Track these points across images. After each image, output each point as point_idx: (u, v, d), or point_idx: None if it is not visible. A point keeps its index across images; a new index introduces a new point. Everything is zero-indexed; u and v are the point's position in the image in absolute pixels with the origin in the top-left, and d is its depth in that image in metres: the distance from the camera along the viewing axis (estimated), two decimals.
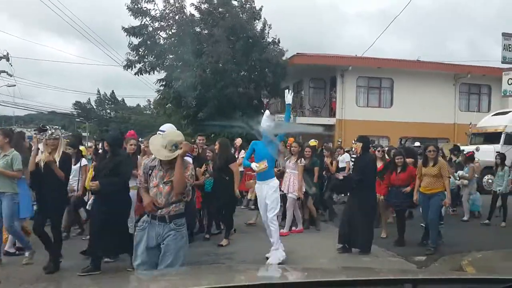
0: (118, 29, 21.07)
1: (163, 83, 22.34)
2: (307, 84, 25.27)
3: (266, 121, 6.55)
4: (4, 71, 26.68)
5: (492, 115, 19.43)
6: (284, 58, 22.07)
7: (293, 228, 8.83)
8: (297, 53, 22.99)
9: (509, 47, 7.07)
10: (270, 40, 21.84)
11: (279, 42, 21.78)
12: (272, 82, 21.77)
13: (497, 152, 10.96)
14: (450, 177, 8.01)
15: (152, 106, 43.65)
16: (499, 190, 10.06)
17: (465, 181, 10.88)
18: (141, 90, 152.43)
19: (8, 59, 27.83)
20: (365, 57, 22.66)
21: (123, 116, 56.58)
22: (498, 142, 17.24)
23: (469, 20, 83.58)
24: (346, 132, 21.10)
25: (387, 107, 23.87)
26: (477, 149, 16.56)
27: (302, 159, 8.69)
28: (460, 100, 24.89)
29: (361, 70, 23.22)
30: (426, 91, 22.97)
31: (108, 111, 64.89)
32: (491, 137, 17.69)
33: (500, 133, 17.44)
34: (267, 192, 6.53)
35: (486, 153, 16.37)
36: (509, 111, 18.50)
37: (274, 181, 6.66)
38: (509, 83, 7.11)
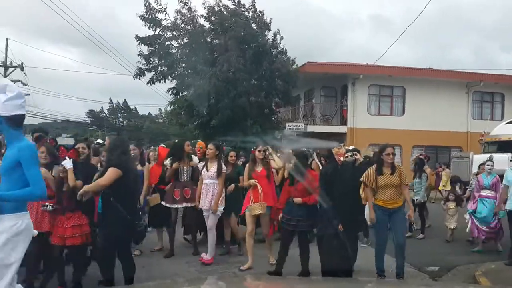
0: (123, 37, 21.27)
1: (174, 91, 22.51)
2: (318, 93, 25.27)
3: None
4: (18, 80, 27.13)
5: (506, 123, 19.19)
6: (294, 66, 22.07)
7: (204, 255, 6.94)
8: (308, 62, 23.04)
9: None
10: (280, 49, 21.87)
11: (286, 52, 21.81)
12: (283, 91, 21.79)
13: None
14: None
15: (163, 115, 44.10)
16: (416, 199, 9.27)
17: None
18: (148, 98, 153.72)
19: (22, 69, 28.38)
20: (376, 65, 22.61)
21: (136, 124, 57.07)
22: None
23: (471, 26, 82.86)
24: (357, 140, 20.99)
25: (399, 115, 23.74)
26: (491, 158, 16.38)
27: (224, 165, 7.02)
28: (473, 108, 24.67)
29: (373, 78, 23.15)
30: (438, 99, 22.83)
31: (121, 119, 65.54)
32: (504, 146, 17.48)
33: None
34: None
35: (500, 161, 16.18)
36: None
37: (7, 221, 3.37)
38: None
